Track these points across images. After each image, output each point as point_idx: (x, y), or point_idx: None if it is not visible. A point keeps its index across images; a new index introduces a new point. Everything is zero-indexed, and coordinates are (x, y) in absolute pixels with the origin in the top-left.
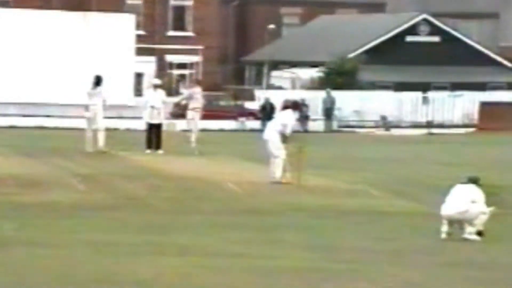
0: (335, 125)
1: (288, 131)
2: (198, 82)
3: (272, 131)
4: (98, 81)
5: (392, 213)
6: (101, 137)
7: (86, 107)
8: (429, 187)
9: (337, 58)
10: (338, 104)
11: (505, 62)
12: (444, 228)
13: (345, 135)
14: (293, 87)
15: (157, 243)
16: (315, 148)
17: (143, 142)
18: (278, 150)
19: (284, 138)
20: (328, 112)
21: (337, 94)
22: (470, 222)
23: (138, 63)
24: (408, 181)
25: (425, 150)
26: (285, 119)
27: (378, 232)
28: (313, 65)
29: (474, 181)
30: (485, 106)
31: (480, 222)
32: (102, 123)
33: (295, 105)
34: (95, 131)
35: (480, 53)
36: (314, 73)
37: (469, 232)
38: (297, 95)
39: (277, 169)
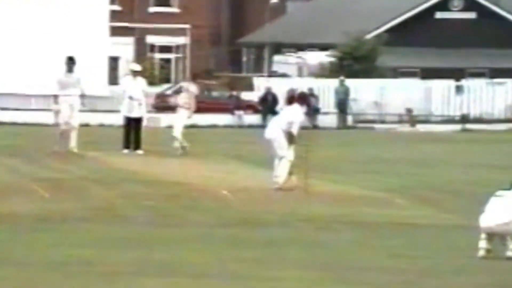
0: (350, 119)
1: (295, 129)
2: (194, 76)
3: (276, 129)
4: (71, 64)
5: (420, 225)
6: (74, 135)
7: (55, 98)
8: (464, 195)
9: (352, 40)
10: (353, 94)
11: None
12: (483, 244)
13: (362, 131)
14: (300, 74)
15: (136, 262)
16: (326, 148)
17: (119, 140)
18: (284, 150)
19: (291, 138)
20: (342, 105)
21: (352, 83)
22: None
23: (113, 45)
24: (439, 187)
25: (459, 150)
26: (292, 116)
27: (402, 248)
28: (324, 47)
29: None
30: None
31: None
32: (77, 119)
33: (302, 98)
34: (67, 128)
35: None
36: (324, 57)
37: None
38: (305, 84)
39: (282, 172)
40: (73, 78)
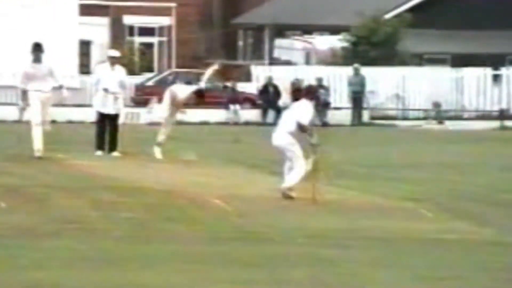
0: (366, 115)
1: (305, 124)
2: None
3: (284, 135)
4: (39, 52)
5: (448, 241)
6: (41, 135)
7: (23, 94)
8: (502, 205)
9: (368, 21)
10: (370, 86)
11: None
12: None
13: (380, 129)
14: (307, 62)
15: (110, 285)
16: (338, 149)
17: (91, 140)
18: (299, 158)
19: (304, 131)
20: (357, 98)
21: (369, 72)
22: None
23: (84, 26)
24: (471, 195)
25: (495, 151)
26: (299, 115)
27: (429, 267)
28: (335, 30)
29: None
30: None
31: None
32: (49, 117)
33: (310, 92)
34: (36, 127)
35: None
36: (336, 42)
37: None
38: (312, 73)
39: (294, 178)
40: (43, 68)
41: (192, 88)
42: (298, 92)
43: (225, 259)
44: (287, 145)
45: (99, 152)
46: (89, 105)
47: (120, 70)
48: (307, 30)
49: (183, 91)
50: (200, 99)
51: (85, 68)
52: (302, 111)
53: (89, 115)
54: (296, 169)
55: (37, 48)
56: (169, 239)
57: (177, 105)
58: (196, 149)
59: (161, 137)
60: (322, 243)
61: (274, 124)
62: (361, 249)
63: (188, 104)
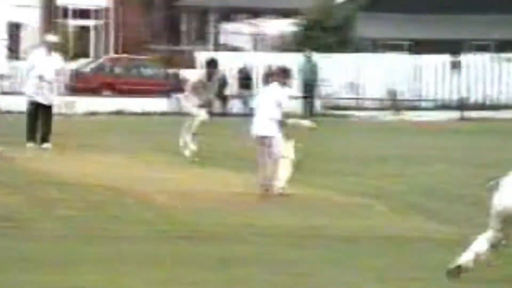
0: (319, 105)
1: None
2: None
3: (269, 123)
4: None
5: (410, 239)
6: None
7: None
8: (464, 201)
9: (321, 4)
10: (323, 73)
11: None
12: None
13: (334, 121)
14: (255, 48)
15: (48, 287)
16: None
17: (22, 131)
18: (282, 148)
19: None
20: (309, 86)
21: (321, 59)
22: None
23: (13, 8)
24: (431, 190)
25: (456, 143)
26: (281, 100)
27: (388, 268)
28: (285, 14)
29: None
30: None
31: None
32: None
33: (282, 73)
34: None
35: None
36: (286, 26)
37: None
38: (261, 60)
39: (282, 175)
40: None
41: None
42: (270, 76)
43: (171, 260)
44: (274, 137)
45: (30, 144)
46: (20, 93)
47: (56, 57)
48: (255, 13)
49: (192, 74)
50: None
51: (13, 54)
52: (280, 95)
53: (19, 104)
54: (280, 165)
55: None
56: (113, 239)
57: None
58: (137, 140)
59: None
60: (275, 242)
61: (222, 114)
62: (315, 248)
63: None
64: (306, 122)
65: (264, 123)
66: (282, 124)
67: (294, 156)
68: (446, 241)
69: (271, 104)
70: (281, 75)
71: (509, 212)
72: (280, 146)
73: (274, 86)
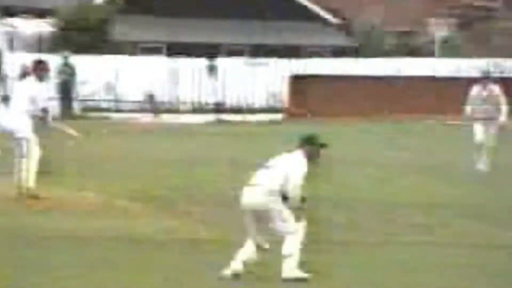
0: (77, 107)
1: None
2: None
3: (21, 119)
4: None
5: (161, 242)
6: None
7: None
8: (226, 204)
9: (76, 5)
10: (81, 75)
11: (329, 17)
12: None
13: (94, 122)
14: (11, 48)
15: None
16: (50, 143)
17: None
18: (29, 142)
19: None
20: (66, 88)
21: (80, 60)
22: None
23: None
24: (195, 193)
25: (212, 146)
26: (33, 93)
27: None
28: (41, 13)
29: None
30: (297, 81)
31: None
32: None
33: (38, 66)
34: None
35: (294, 1)
36: (44, 26)
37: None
38: (17, 60)
39: (30, 175)
40: None
41: None
42: (26, 72)
43: None
44: (18, 123)
45: None
46: None
47: None
48: (9, 12)
49: None
50: None
51: None
52: (35, 90)
53: None
54: (30, 166)
55: None
56: None
57: None
58: None
59: None
60: (20, 243)
61: None
62: (65, 249)
63: None
64: (71, 130)
65: (14, 119)
66: (42, 120)
67: (39, 156)
68: (200, 242)
69: (25, 99)
70: (37, 67)
71: (253, 208)
72: (32, 144)
73: (31, 80)
